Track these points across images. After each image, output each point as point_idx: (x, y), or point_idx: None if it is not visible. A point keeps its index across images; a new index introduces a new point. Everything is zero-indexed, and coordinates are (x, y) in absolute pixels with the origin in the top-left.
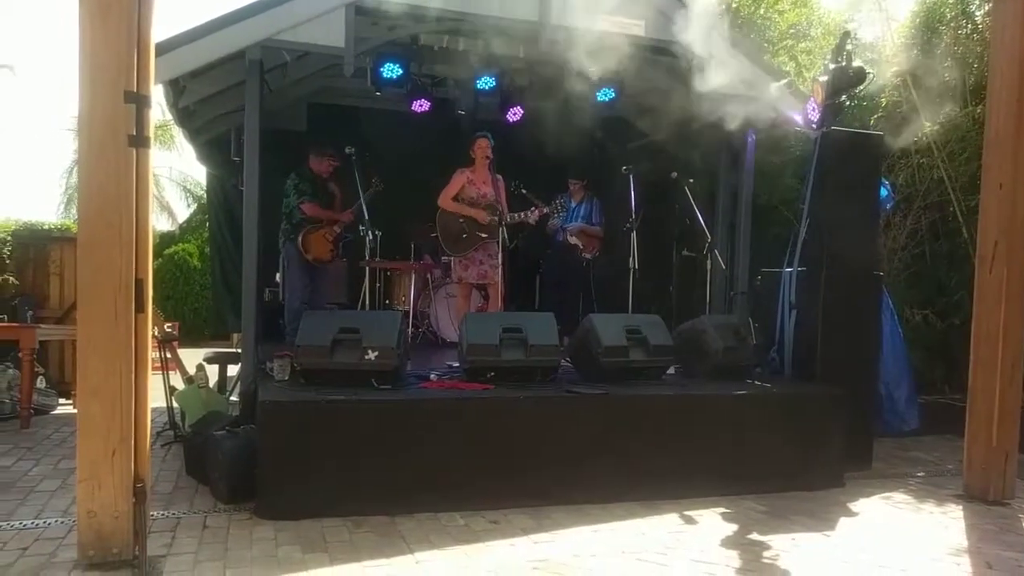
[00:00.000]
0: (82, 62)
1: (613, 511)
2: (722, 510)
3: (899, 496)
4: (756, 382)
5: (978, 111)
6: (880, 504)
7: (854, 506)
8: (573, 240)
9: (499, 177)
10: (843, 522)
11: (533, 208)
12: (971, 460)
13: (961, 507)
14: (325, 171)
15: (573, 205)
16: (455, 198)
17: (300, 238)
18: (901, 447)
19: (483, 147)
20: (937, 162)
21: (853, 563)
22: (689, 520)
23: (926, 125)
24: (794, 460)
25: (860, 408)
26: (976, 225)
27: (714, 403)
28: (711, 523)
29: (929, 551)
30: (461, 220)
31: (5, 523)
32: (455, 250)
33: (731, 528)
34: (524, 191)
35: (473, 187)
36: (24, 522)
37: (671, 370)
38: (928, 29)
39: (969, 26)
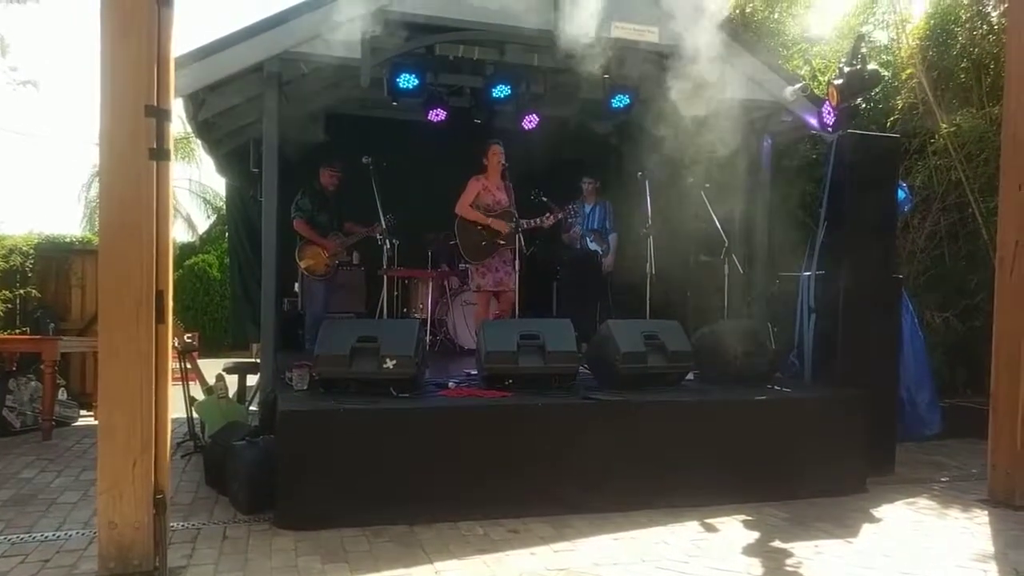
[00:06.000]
0: (104, 77)
1: (634, 519)
2: (743, 517)
3: (923, 501)
4: (776, 387)
5: (995, 112)
6: (904, 510)
7: (877, 512)
8: (593, 246)
9: (509, 184)
10: (866, 528)
11: (548, 214)
12: (995, 464)
13: (986, 512)
14: (330, 183)
15: (587, 210)
16: (471, 206)
17: (297, 249)
18: (924, 451)
19: (497, 153)
20: (955, 163)
21: (877, 570)
22: (710, 527)
23: (943, 127)
24: (815, 466)
25: (881, 412)
26: (995, 227)
27: (734, 409)
28: (733, 530)
29: (954, 558)
30: (479, 228)
31: (27, 535)
32: (475, 257)
33: (753, 535)
34: (544, 199)
35: (488, 194)
36: (46, 534)
37: (690, 376)
38: (943, 30)
39: (984, 27)
